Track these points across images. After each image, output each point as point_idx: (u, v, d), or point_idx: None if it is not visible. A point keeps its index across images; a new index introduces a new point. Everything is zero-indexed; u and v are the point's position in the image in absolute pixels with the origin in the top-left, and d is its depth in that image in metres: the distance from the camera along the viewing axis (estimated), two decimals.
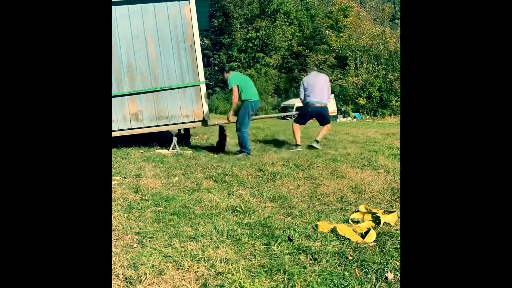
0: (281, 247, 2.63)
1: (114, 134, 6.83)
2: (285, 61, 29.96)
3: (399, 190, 3.85)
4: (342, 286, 2.12)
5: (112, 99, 6.81)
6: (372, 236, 2.77)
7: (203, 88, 7.07)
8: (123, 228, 3.06)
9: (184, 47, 6.98)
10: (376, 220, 3.15)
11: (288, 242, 2.72)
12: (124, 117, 6.95)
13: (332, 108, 9.38)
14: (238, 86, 6.57)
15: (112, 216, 3.22)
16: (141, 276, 2.21)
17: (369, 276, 2.23)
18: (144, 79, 6.95)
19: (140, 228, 3.05)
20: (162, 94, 6.99)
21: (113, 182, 4.40)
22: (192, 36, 6.99)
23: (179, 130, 7.55)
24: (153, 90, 6.93)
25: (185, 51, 6.98)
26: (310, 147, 7.13)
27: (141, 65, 6.93)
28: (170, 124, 7.09)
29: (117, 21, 6.79)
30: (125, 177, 4.76)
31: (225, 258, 2.44)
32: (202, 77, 7.06)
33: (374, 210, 3.35)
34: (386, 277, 2.19)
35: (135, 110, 6.97)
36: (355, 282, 2.14)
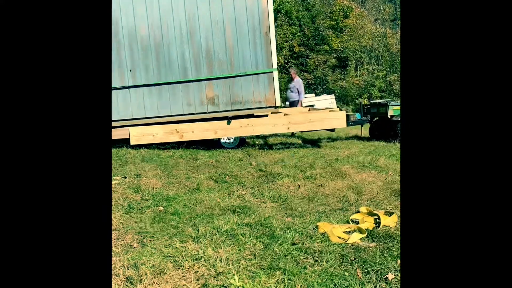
0: (281, 247, 2.63)
1: (191, 117, 7.17)
2: (286, 61, 29.93)
3: (399, 190, 3.85)
4: (343, 286, 2.12)
5: (191, 83, 7.13)
6: (354, 237, 2.77)
7: (275, 75, 7.27)
8: (123, 228, 3.06)
9: (259, 35, 7.15)
10: (377, 220, 3.15)
11: (289, 242, 2.71)
12: (201, 101, 7.22)
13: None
14: None
15: (112, 215, 3.22)
16: (141, 275, 2.21)
17: (369, 276, 2.23)
18: (221, 65, 7.18)
19: (140, 228, 3.05)
20: (237, 80, 7.22)
21: (113, 182, 4.40)
22: (268, 24, 7.15)
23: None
24: (229, 76, 7.17)
25: (260, 39, 7.15)
26: None
27: (218, 51, 7.14)
28: (243, 109, 7.29)
29: (198, 7, 7.01)
30: (125, 177, 4.76)
31: (225, 258, 2.44)
32: (275, 64, 7.25)
33: (374, 211, 3.34)
34: (387, 278, 2.19)
35: (211, 94, 7.22)
36: (356, 282, 2.14)
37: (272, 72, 7.21)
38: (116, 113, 7.10)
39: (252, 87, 7.23)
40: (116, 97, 7.12)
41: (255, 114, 7.50)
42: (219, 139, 7.68)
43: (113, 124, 7.12)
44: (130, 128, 7.25)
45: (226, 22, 7.09)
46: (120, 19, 7.00)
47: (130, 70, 7.09)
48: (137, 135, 7.22)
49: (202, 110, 7.24)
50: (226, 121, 7.34)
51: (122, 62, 7.08)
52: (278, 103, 7.31)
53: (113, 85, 7.05)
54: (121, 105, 7.13)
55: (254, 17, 7.11)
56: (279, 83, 8.76)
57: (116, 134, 7.02)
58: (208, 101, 7.23)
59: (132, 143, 7.21)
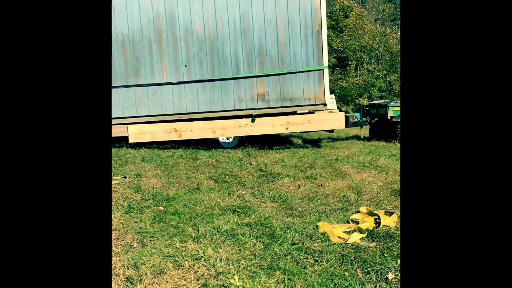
0: (281, 247, 2.63)
1: (242, 113, 7.35)
2: None
3: (399, 190, 3.85)
4: (343, 286, 2.12)
5: (243, 80, 7.27)
6: (355, 237, 2.77)
7: (326, 72, 7.37)
8: (123, 228, 3.06)
9: (311, 32, 7.26)
10: (377, 220, 3.15)
11: (289, 242, 2.71)
12: (252, 97, 7.39)
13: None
14: None
15: (112, 215, 3.22)
16: (141, 275, 2.21)
17: (369, 276, 2.22)
18: (272, 62, 7.32)
19: (140, 228, 3.05)
20: (288, 77, 7.35)
21: (113, 182, 4.41)
22: (320, 22, 7.25)
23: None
24: (280, 73, 7.30)
25: (312, 36, 7.27)
26: None
27: (270, 48, 7.28)
28: (293, 106, 7.40)
29: (252, 5, 7.17)
30: (125, 177, 4.76)
31: (225, 258, 2.44)
32: (326, 62, 7.35)
33: (374, 211, 3.34)
34: (387, 278, 2.19)
35: (262, 91, 7.39)
36: (356, 282, 2.14)
37: (323, 69, 7.31)
38: (170, 108, 7.24)
39: (302, 84, 7.35)
40: (171, 92, 7.25)
41: (298, 112, 7.60)
42: (217, 139, 7.68)
43: (171, 118, 7.33)
44: (129, 126, 7.27)
45: (279, 19, 7.22)
46: (177, 15, 7.13)
47: (186, 66, 7.21)
48: (136, 133, 7.24)
49: (253, 106, 7.40)
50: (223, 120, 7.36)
51: (178, 58, 7.21)
52: (328, 100, 7.41)
53: (168, 80, 7.22)
54: (176, 100, 7.26)
55: (307, 15, 7.23)
56: None
57: (114, 132, 7.05)
58: (258, 97, 7.39)
59: (130, 141, 7.24)
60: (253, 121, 7.33)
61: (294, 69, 7.25)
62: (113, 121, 7.17)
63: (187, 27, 7.13)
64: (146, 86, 7.20)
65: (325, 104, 7.36)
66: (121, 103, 7.24)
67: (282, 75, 7.28)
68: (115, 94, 7.19)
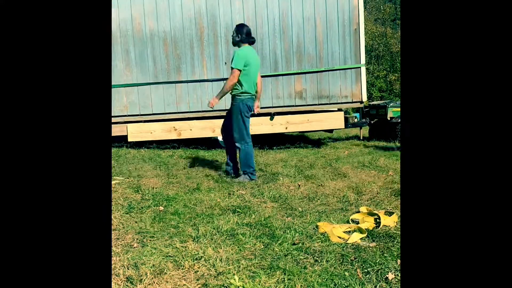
0: (281, 247, 2.63)
1: (280, 109, 7.45)
2: None
3: (399, 190, 3.85)
4: (343, 286, 2.12)
5: (280, 77, 7.39)
6: (355, 237, 2.77)
7: (363, 70, 7.48)
8: (123, 227, 3.06)
9: (349, 31, 7.41)
10: (377, 220, 3.15)
11: (289, 242, 2.71)
12: (290, 95, 7.53)
13: None
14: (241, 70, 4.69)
15: (112, 215, 3.22)
16: (141, 275, 2.21)
17: (369, 276, 2.22)
18: (310, 60, 7.47)
19: (140, 228, 3.05)
20: (325, 75, 7.50)
21: (113, 182, 4.41)
22: (358, 20, 7.40)
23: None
24: (317, 70, 7.46)
25: (350, 35, 7.42)
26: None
27: (308, 46, 7.43)
28: (330, 104, 7.53)
29: (291, 4, 7.32)
30: (125, 177, 4.76)
31: (226, 258, 2.44)
32: (363, 60, 7.48)
33: (375, 211, 3.34)
34: (387, 277, 2.19)
35: (300, 88, 7.52)
36: (356, 282, 2.14)
37: (360, 67, 7.42)
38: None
39: (340, 81, 7.47)
40: (212, 89, 7.34)
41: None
42: (217, 139, 7.69)
43: (211, 114, 7.39)
44: (128, 125, 7.28)
45: (317, 18, 7.37)
46: (218, 13, 7.26)
47: (225, 63, 7.29)
48: (135, 132, 7.26)
49: (290, 103, 7.51)
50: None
51: (218, 55, 7.33)
52: (365, 98, 7.57)
53: (208, 77, 7.33)
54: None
55: (345, 13, 7.39)
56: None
57: (114, 131, 7.07)
58: (296, 94, 7.50)
59: (129, 140, 7.26)
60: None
61: (332, 67, 7.37)
62: (157, 117, 7.28)
63: (227, 25, 7.27)
64: (187, 82, 7.33)
65: (362, 102, 7.52)
66: (162, 99, 7.33)
67: (319, 72, 7.40)
68: (157, 90, 7.27)
